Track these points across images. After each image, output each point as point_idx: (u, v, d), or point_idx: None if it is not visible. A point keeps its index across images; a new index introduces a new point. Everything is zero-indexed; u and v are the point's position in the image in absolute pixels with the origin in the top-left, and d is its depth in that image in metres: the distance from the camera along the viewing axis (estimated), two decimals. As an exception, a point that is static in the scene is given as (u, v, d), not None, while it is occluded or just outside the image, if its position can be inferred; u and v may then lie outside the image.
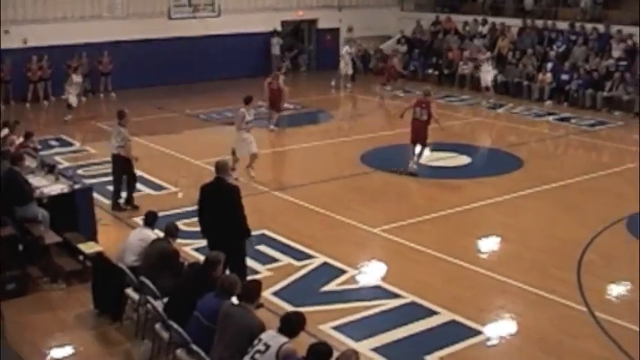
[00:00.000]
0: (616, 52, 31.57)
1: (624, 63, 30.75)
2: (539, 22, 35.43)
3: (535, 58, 33.05)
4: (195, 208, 12.91)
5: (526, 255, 15.06)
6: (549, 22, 35.16)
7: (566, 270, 14.15)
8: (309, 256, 14.60)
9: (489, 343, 11.60)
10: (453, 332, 11.78)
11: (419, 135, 20.09)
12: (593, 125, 27.10)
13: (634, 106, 28.89)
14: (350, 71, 33.82)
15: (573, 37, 33.54)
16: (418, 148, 20.27)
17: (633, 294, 13.66)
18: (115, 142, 17.02)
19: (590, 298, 13.00)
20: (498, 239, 16.21)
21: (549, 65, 32.11)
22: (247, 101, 19.61)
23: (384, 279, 13.79)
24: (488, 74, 30.57)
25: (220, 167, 12.21)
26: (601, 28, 33.24)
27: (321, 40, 39.16)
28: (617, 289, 13.79)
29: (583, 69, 31.14)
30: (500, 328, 12.07)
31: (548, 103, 30.63)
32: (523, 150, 23.21)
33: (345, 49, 34.30)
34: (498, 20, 36.69)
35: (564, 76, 31.31)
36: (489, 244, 15.98)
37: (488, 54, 31.28)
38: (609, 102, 29.77)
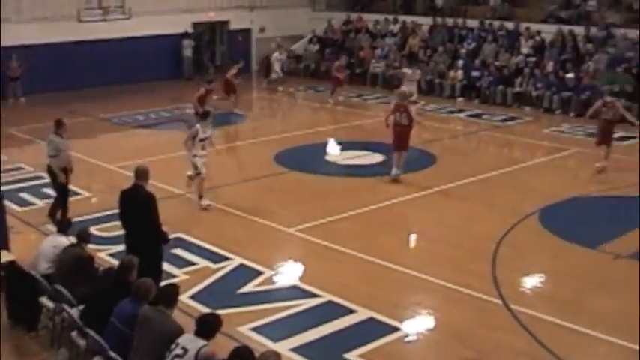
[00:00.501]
0: (525, 49, 32.17)
1: (533, 59, 31.35)
2: (450, 20, 35.91)
3: (446, 56, 33.46)
4: (109, 213, 12.75)
5: (441, 251, 15.22)
6: (459, 20, 35.67)
7: (481, 264, 14.34)
8: (226, 258, 14.52)
9: (408, 339, 11.68)
10: (371, 329, 11.82)
11: (402, 141, 19.71)
12: (504, 121, 27.53)
13: (543, 102, 29.45)
14: (280, 74, 33.77)
15: (483, 35, 34.08)
16: (400, 155, 19.78)
17: (546, 285, 13.95)
18: (47, 151, 16.50)
19: (505, 290, 13.19)
20: (414, 236, 16.38)
21: (460, 62, 32.56)
22: (204, 116, 17.97)
23: (301, 279, 13.79)
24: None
25: (140, 174, 12.03)
26: (510, 25, 33.86)
27: (233, 41, 38.99)
28: (530, 281, 14.04)
29: (493, 66, 31.65)
30: (417, 324, 12.17)
31: (460, 99, 31.02)
32: (436, 147, 23.45)
33: (274, 56, 34.14)
34: (409, 18, 37.05)
35: (475, 73, 31.78)
36: (405, 241, 16.12)
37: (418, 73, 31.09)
38: (519, 98, 30.31)
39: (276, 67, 34.26)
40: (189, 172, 17.63)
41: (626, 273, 14.29)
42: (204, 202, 17.44)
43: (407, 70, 28.90)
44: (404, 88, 25.60)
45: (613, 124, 20.60)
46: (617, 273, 14.39)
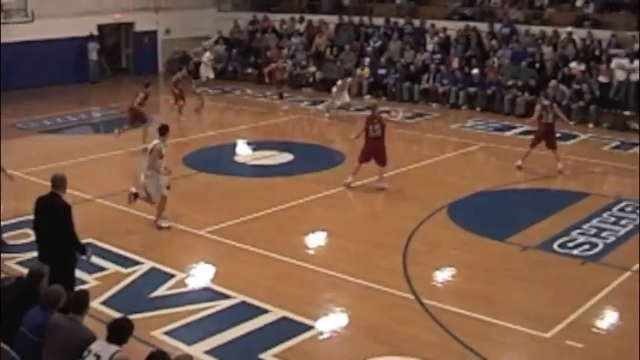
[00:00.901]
0: (430, 46, 32.57)
1: (439, 56, 31.77)
2: (356, 19, 36.11)
3: (352, 54, 33.63)
4: (16, 220, 12.50)
5: (352, 248, 15.33)
6: (365, 19, 35.91)
7: (392, 260, 14.49)
8: (137, 263, 14.36)
9: (321, 337, 11.72)
10: (285, 329, 11.83)
11: (378, 153, 18.93)
12: (411, 117, 27.80)
13: (449, 98, 29.89)
14: (211, 75, 32.78)
15: (389, 33, 34.37)
16: (381, 170, 19.11)
17: (456, 278, 14.17)
18: None
19: (417, 285, 13.36)
20: (324, 234, 16.41)
21: (367, 60, 32.78)
22: (163, 132, 16.37)
23: (213, 280, 13.74)
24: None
25: (56, 182, 11.70)
26: (415, 22, 34.24)
27: (139, 43, 38.59)
28: (441, 275, 14.24)
29: (399, 63, 31.94)
30: (331, 321, 12.23)
31: (367, 97, 31.21)
32: (345, 145, 23.55)
33: (206, 56, 33.51)
34: (315, 17, 37.15)
35: (382, 71, 32.05)
36: (316, 240, 16.15)
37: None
38: (426, 94, 30.71)
39: (208, 69, 33.01)
40: (135, 190, 16.46)
41: (534, 263, 14.65)
42: (165, 223, 16.36)
43: (339, 82, 28.16)
44: (336, 100, 26.42)
45: (554, 126, 20.81)
46: (525, 264, 14.71)
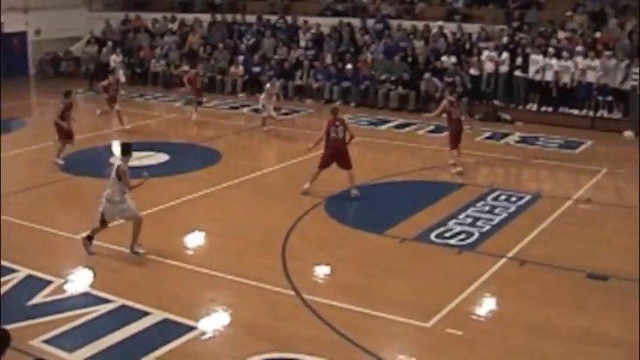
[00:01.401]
0: (303, 42, 32.74)
1: (312, 52, 31.96)
2: (229, 16, 36.04)
3: (226, 52, 33.56)
4: None
5: (232, 246, 15.28)
6: (238, 16, 35.85)
7: (272, 257, 14.50)
8: (12, 271, 13.91)
9: (204, 337, 11.62)
10: (167, 331, 11.70)
11: (342, 156, 18.33)
12: (286, 114, 27.86)
13: (324, 93, 30.09)
14: (122, 79, 31.38)
15: (262, 30, 34.42)
16: (350, 174, 18.37)
17: (336, 273, 14.25)
18: None
19: (297, 281, 13.40)
20: (203, 234, 16.31)
21: (240, 58, 32.79)
22: (127, 151, 14.88)
23: (92, 285, 13.47)
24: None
25: None
26: (288, 19, 34.36)
27: (8, 44, 37.50)
28: (321, 270, 14.35)
29: (273, 60, 32.01)
30: (213, 321, 12.14)
31: (242, 95, 31.22)
32: (221, 143, 23.51)
33: (112, 58, 32.56)
34: (188, 16, 36.91)
35: (256, 68, 32.08)
36: (195, 240, 16.04)
37: None
38: (300, 90, 30.85)
39: (119, 72, 31.59)
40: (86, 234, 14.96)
41: (412, 255, 14.86)
42: (141, 249, 14.71)
43: (267, 85, 26.39)
44: (263, 101, 25.28)
45: (462, 123, 20.90)
46: (403, 255, 14.91)
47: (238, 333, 11.89)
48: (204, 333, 11.74)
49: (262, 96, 25.76)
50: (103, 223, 14.73)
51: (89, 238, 14.81)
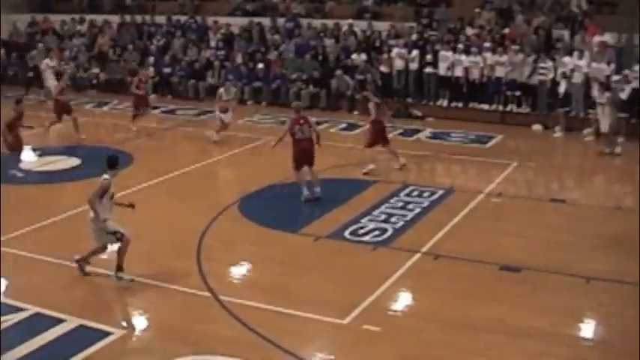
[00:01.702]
0: (214, 42, 32.58)
1: (223, 52, 31.84)
2: (138, 17, 35.69)
3: (136, 53, 33.21)
4: None
5: (146, 249, 15.04)
6: (148, 17, 35.53)
7: (187, 258, 14.44)
8: None
9: (121, 342, 11.50)
10: (83, 337, 11.53)
11: (310, 155, 18.20)
12: (198, 115, 27.73)
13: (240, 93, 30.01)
14: (54, 85, 30.18)
15: (172, 30, 34.18)
16: (308, 171, 18.33)
17: (253, 273, 14.25)
18: None
19: (213, 282, 13.35)
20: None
21: (151, 59, 32.49)
22: (114, 164, 13.63)
23: (4, 294, 13.19)
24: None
25: None
26: (198, 19, 34.18)
27: None
28: (237, 271, 14.34)
29: (184, 60, 31.81)
30: (129, 326, 12.06)
31: (153, 96, 30.86)
32: (132, 145, 23.23)
33: (45, 62, 31.32)
34: (97, 17, 36.45)
35: (166, 69, 31.83)
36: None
37: None
38: (212, 91, 30.64)
39: (47, 75, 30.75)
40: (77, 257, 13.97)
41: (327, 253, 14.92)
42: (126, 276, 13.54)
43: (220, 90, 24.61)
44: (218, 113, 23.78)
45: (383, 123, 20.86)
46: (318, 254, 14.96)
47: (155, 337, 11.80)
48: (121, 338, 11.61)
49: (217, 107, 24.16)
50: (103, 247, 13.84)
51: (80, 260, 13.83)
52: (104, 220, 13.35)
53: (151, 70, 31.81)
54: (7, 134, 20.71)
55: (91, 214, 13.37)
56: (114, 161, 13.58)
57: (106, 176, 13.30)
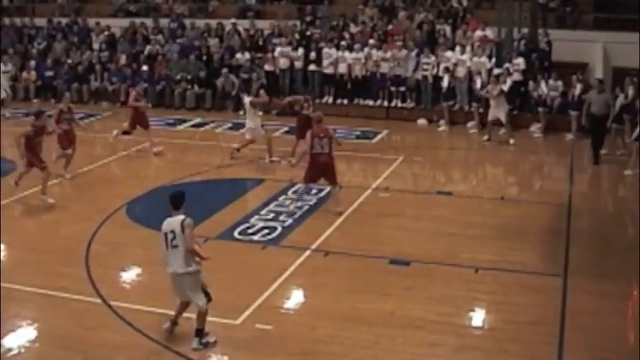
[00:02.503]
0: (96, 45, 32.10)
1: (106, 54, 31.45)
2: (18, 20, 34.96)
3: (17, 58, 32.48)
4: None
5: (33, 258, 14.84)
6: (27, 20, 34.84)
7: (75, 266, 14.24)
8: None
9: (10, 354, 11.26)
10: (-31, 350, 11.31)
11: (330, 172, 16.91)
12: (82, 119, 27.27)
13: (120, 95, 29.65)
14: (4, 95, 29.22)
15: (53, 33, 33.59)
16: (331, 188, 17.23)
17: (142, 277, 14.17)
18: None
19: (103, 288, 13.23)
20: (2, 246, 15.75)
21: (32, 63, 31.84)
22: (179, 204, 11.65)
23: None
24: None
25: None
26: (80, 21, 33.68)
27: None
28: (126, 275, 14.22)
29: (66, 64, 31.30)
30: (17, 337, 11.77)
31: (36, 101, 30.32)
32: (15, 152, 22.53)
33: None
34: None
35: (49, 73, 31.26)
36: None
37: None
38: (95, 94, 30.34)
39: (4, 83, 29.46)
40: None
41: (217, 253, 14.75)
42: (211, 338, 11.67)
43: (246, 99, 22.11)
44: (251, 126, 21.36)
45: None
46: (209, 255, 14.72)
47: (46, 347, 11.60)
48: (9, 350, 11.38)
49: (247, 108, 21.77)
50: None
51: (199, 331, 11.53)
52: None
53: (33, 74, 31.18)
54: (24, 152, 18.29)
55: (194, 265, 11.41)
56: (181, 199, 11.46)
57: (186, 218, 11.17)
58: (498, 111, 23.38)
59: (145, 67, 29.74)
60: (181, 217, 11.10)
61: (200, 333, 11.32)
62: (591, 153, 21.64)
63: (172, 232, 11.06)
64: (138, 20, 32.81)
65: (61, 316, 12.44)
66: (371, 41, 27.53)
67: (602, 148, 21.69)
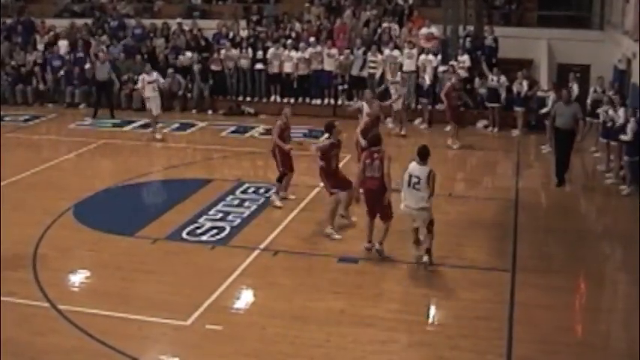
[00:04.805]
0: (41, 45, 31.74)
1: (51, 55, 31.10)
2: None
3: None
4: None
5: (-21, 262, 14.68)
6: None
7: (22, 269, 14.08)
8: None
9: (-46, 361, 11.15)
10: None
11: (379, 202, 14.11)
12: (27, 120, 27.05)
13: (66, 97, 29.38)
14: None
15: (-4, 34, 33.15)
16: (382, 224, 14.45)
17: (91, 279, 14.03)
18: None
19: (51, 292, 13.07)
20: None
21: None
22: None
23: None
24: None
25: None
26: (23, 20, 33.32)
27: None
28: (75, 279, 14.04)
29: (10, 65, 30.91)
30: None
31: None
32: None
33: None
34: None
35: (-8, 74, 30.86)
36: None
37: None
38: (40, 95, 30.01)
39: None
40: None
41: (166, 254, 14.83)
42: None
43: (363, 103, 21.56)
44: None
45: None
46: (157, 256, 14.85)
47: (-7, 354, 11.48)
48: (-47, 357, 11.26)
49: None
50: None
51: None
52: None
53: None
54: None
55: (427, 191, 13.66)
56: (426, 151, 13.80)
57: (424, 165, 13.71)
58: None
59: (87, 66, 29.36)
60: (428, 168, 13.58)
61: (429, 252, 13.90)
62: (554, 171, 19.56)
63: (417, 177, 13.53)
64: (81, 20, 32.48)
65: (9, 322, 12.22)
66: (311, 39, 27.64)
67: (567, 170, 19.45)
